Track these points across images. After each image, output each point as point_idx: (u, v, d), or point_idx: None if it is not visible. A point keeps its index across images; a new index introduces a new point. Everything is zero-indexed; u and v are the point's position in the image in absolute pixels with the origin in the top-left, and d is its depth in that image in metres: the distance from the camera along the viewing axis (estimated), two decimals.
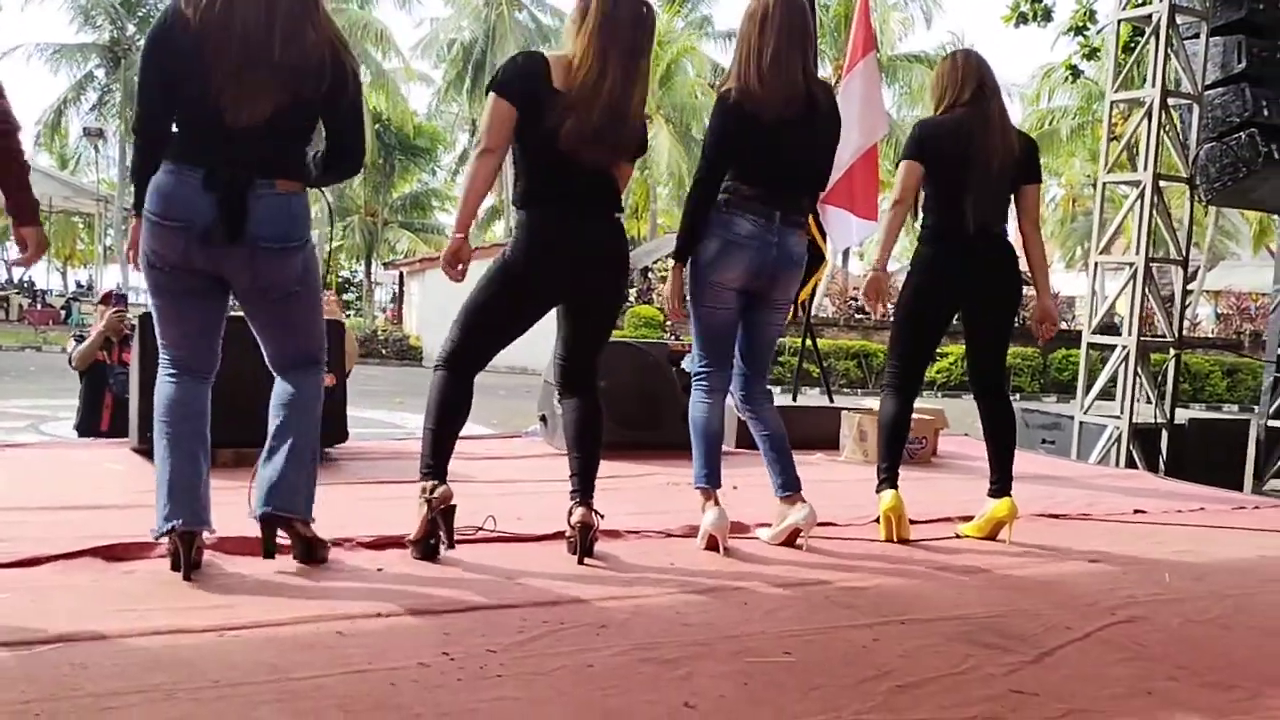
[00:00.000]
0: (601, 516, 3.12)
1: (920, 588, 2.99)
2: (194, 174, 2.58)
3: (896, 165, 3.76)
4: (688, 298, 3.40)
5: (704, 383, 3.43)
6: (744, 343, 3.47)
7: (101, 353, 5.79)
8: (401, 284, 27.65)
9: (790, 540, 3.38)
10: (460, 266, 2.98)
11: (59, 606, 2.36)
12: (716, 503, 3.31)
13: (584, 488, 3.12)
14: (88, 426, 5.75)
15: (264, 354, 2.86)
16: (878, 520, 3.59)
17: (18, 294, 30.59)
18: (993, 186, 3.58)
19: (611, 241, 3.13)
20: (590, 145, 2.94)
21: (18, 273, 27.04)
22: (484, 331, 3.08)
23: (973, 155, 3.53)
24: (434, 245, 32.43)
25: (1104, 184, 7.54)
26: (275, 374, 2.86)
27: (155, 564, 2.74)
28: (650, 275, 26.16)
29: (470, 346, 3.08)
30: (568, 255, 3.03)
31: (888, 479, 3.60)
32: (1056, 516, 4.14)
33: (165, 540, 2.68)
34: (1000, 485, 3.62)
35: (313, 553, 2.79)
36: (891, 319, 3.97)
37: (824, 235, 5.99)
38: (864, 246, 40.80)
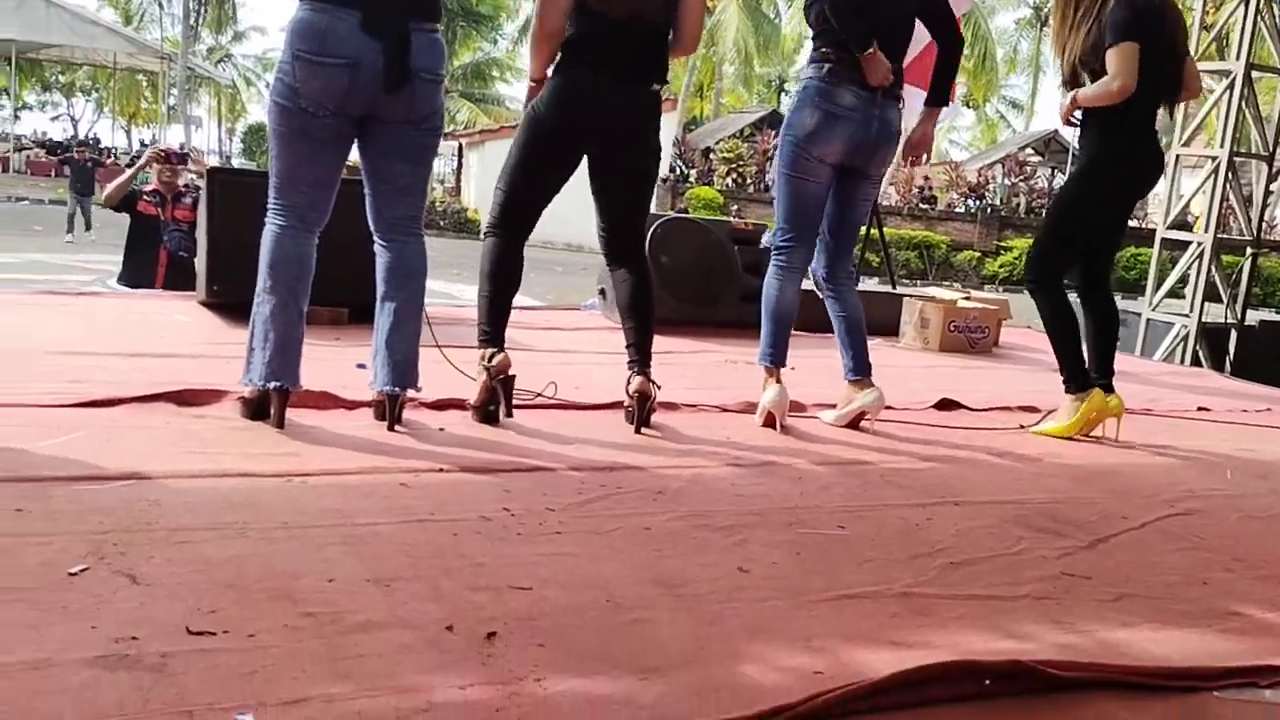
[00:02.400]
0: (659, 387, 3.13)
1: (975, 473, 2.98)
2: (349, 14, 2.58)
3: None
4: (777, 165, 3.35)
5: (784, 259, 3.37)
6: (834, 218, 3.39)
7: (156, 209, 5.84)
8: (460, 156, 27.48)
9: (855, 423, 3.37)
10: None
11: (132, 446, 2.43)
12: (779, 380, 3.30)
13: (641, 357, 3.13)
14: (141, 284, 5.83)
15: (371, 213, 2.84)
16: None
17: (82, 151, 30.95)
18: (1173, 68, 3.42)
19: (640, 109, 3.05)
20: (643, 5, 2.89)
21: (84, 129, 27.22)
22: (520, 189, 3.07)
23: (1165, 36, 3.34)
24: (494, 117, 32.11)
25: None
26: (379, 239, 2.85)
27: (225, 410, 2.82)
28: (712, 156, 25.74)
29: (513, 206, 3.07)
30: (594, 118, 2.98)
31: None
32: None
33: (245, 389, 2.75)
34: (1105, 381, 3.54)
35: (399, 415, 2.84)
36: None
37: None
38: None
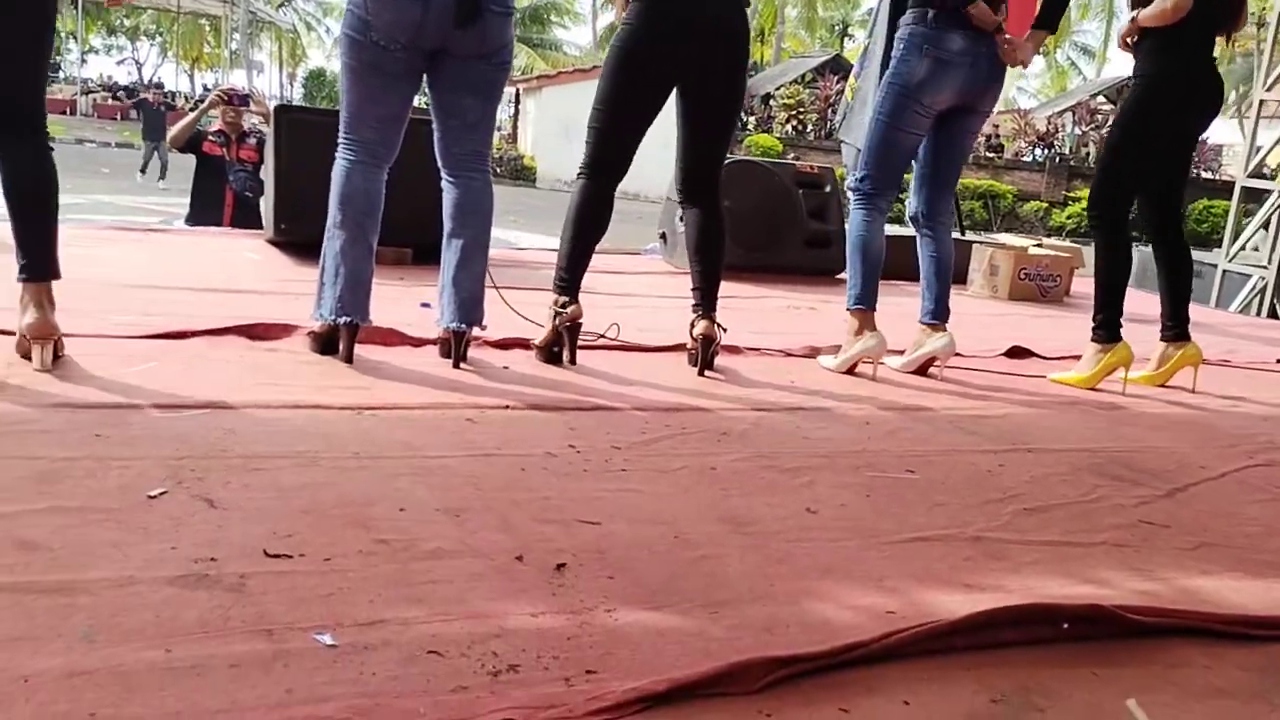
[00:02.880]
0: (724, 330, 3.10)
1: (1049, 419, 2.92)
2: None
3: None
4: (875, 113, 3.26)
5: (869, 201, 3.28)
6: (936, 154, 3.31)
7: (220, 149, 5.90)
8: (518, 102, 27.37)
9: (924, 368, 3.32)
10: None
11: (206, 377, 2.47)
12: (874, 326, 3.22)
13: (706, 301, 3.10)
14: (207, 223, 5.92)
15: (439, 148, 2.83)
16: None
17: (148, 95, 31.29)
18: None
19: (731, 15, 2.96)
20: None
21: (148, 73, 27.53)
22: (612, 127, 3.00)
23: None
24: (551, 62, 31.91)
25: (1279, 16, 6.93)
26: (446, 174, 2.84)
27: (295, 345, 2.85)
28: (772, 103, 25.36)
29: (605, 147, 3.01)
30: (684, 28, 2.90)
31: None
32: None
33: (316, 323, 2.77)
34: (1179, 329, 3.46)
35: (464, 353, 2.86)
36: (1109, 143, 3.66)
37: None
38: None
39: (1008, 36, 3.18)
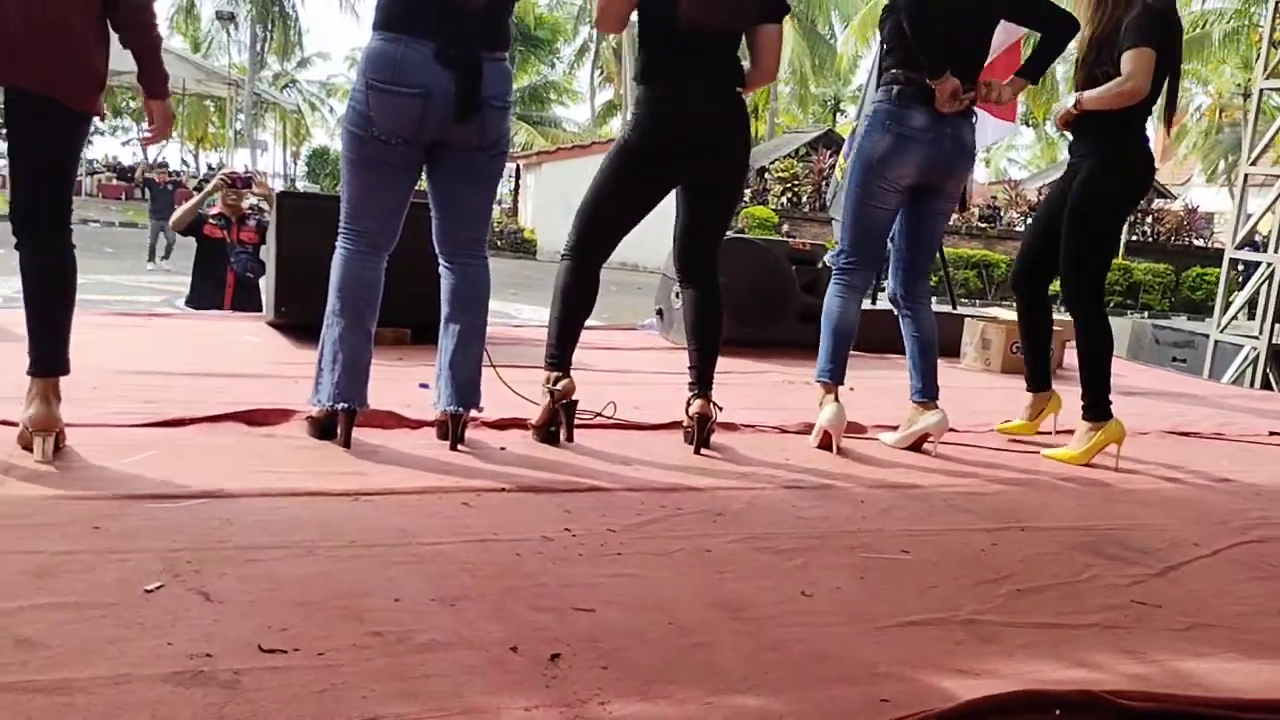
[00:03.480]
0: (720, 409, 3.13)
1: (1041, 497, 2.94)
2: (423, 45, 2.62)
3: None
4: (848, 187, 3.34)
5: (845, 278, 3.36)
6: (910, 235, 3.38)
7: (221, 232, 5.98)
8: (518, 177, 27.75)
9: (917, 445, 3.34)
10: None
11: (204, 465, 2.49)
12: (836, 399, 3.28)
13: (702, 379, 3.13)
14: (208, 305, 5.97)
15: (437, 236, 2.88)
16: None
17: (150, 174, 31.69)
18: (1173, 86, 3.40)
19: (733, 115, 3.04)
20: (708, 10, 2.86)
21: (153, 153, 27.95)
22: (606, 218, 3.07)
23: (1176, 54, 3.35)
24: (550, 139, 32.41)
25: (1261, 90, 7.07)
26: (444, 260, 2.89)
27: (293, 430, 2.88)
28: (766, 176, 25.70)
29: (593, 234, 3.07)
30: (687, 129, 2.97)
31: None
32: (1187, 434, 4.00)
33: (314, 409, 2.81)
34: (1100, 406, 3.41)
35: (461, 435, 2.88)
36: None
37: None
38: (991, 151, 39.22)
39: (986, 81, 3.27)
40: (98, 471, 2.37)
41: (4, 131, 2.51)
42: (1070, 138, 3.55)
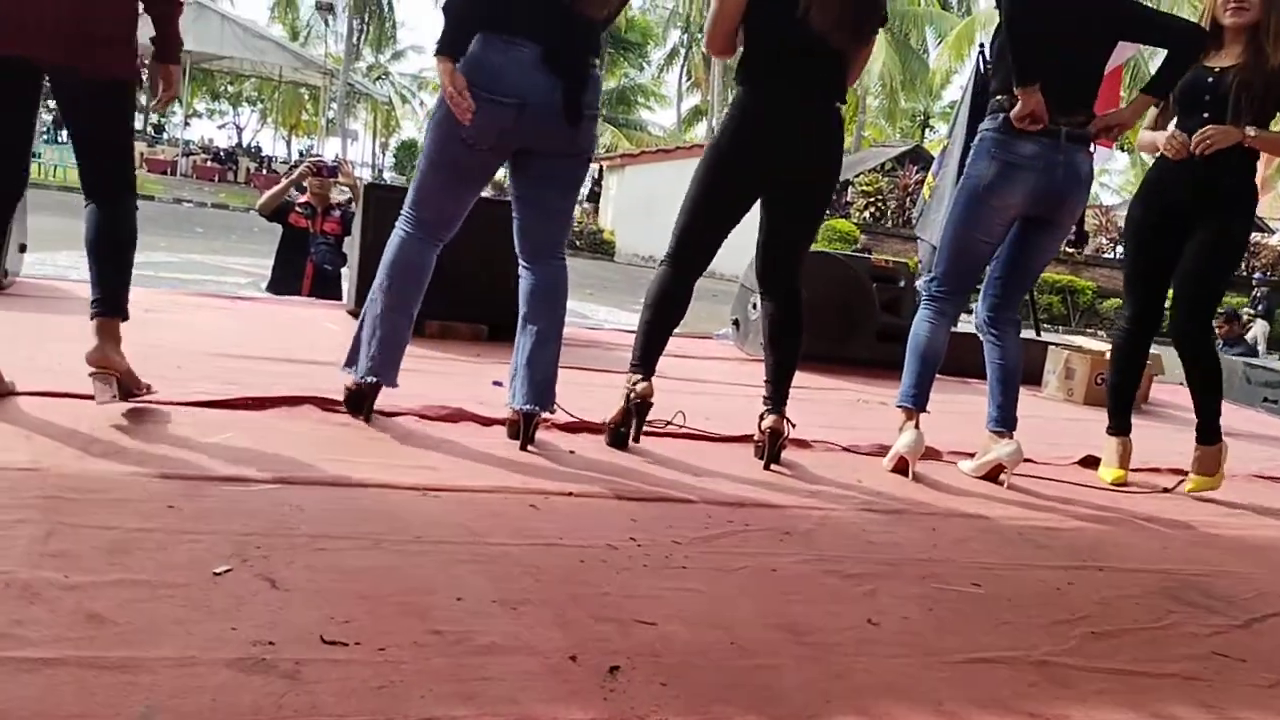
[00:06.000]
0: (793, 425, 3.09)
1: (1121, 536, 2.84)
2: (529, 47, 2.64)
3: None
4: (950, 214, 3.25)
5: (936, 304, 3.27)
6: (1009, 264, 3.28)
7: (306, 221, 6.06)
8: (600, 178, 27.89)
9: (992, 475, 3.25)
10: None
11: (279, 450, 2.51)
12: (917, 425, 3.21)
13: (777, 394, 3.09)
14: (287, 293, 6.06)
15: (518, 237, 2.89)
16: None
17: (245, 158, 32.50)
18: None
19: (829, 128, 2.99)
20: (837, 25, 2.84)
21: (247, 138, 28.65)
22: (698, 223, 3.04)
23: None
24: (635, 142, 32.52)
25: None
26: (524, 261, 2.91)
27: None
28: (851, 189, 25.46)
29: (687, 241, 3.04)
30: (775, 133, 2.93)
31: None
32: (1277, 479, 3.85)
33: (348, 379, 2.87)
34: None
35: (532, 435, 2.88)
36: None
37: None
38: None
39: (1106, 114, 3.18)
40: (176, 450, 2.41)
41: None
42: (1160, 158, 3.40)
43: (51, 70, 2.51)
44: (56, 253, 9.72)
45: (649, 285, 3.09)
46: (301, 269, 6.06)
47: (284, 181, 6.32)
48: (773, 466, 3.02)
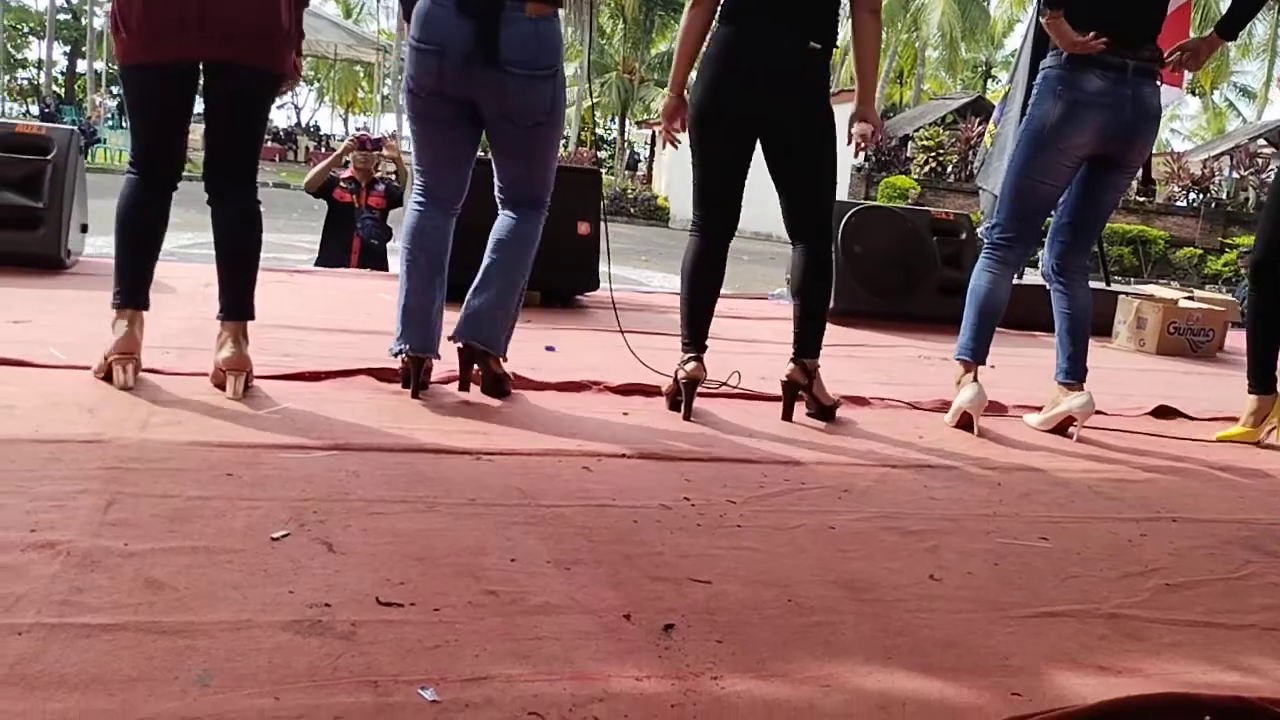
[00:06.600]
0: (812, 371, 3.00)
1: (1195, 487, 2.75)
2: None
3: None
4: (1012, 159, 3.15)
5: (998, 253, 3.18)
6: (1077, 209, 3.16)
7: (350, 196, 6.09)
8: (653, 144, 27.72)
9: (1061, 428, 3.17)
10: (677, 123, 2.98)
11: (335, 419, 2.53)
12: (976, 378, 3.13)
13: (801, 342, 3.00)
14: (334, 267, 6.11)
15: (495, 187, 2.92)
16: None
17: (304, 137, 32.85)
18: None
19: (798, 62, 2.84)
20: None
21: (305, 117, 28.99)
22: (709, 184, 2.99)
23: None
24: None
25: None
26: (500, 209, 2.93)
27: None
28: (911, 144, 25.01)
29: (704, 201, 3.00)
30: (745, 87, 2.84)
31: None
32: None
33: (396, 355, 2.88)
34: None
35: (499, 386, 2.90)
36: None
37: None
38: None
39: (1180, 45, 3.05)
40: (235, 421, 2.44)
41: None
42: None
43: (209, 64, 2.57)
44: None
45: (682, 258, 3.05)
46: (348, 244, 6.10)
47: (329, 158, 6.36)
48: (828, 425, 2.97)
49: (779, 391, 3.23)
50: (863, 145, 2.99)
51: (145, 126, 2.64)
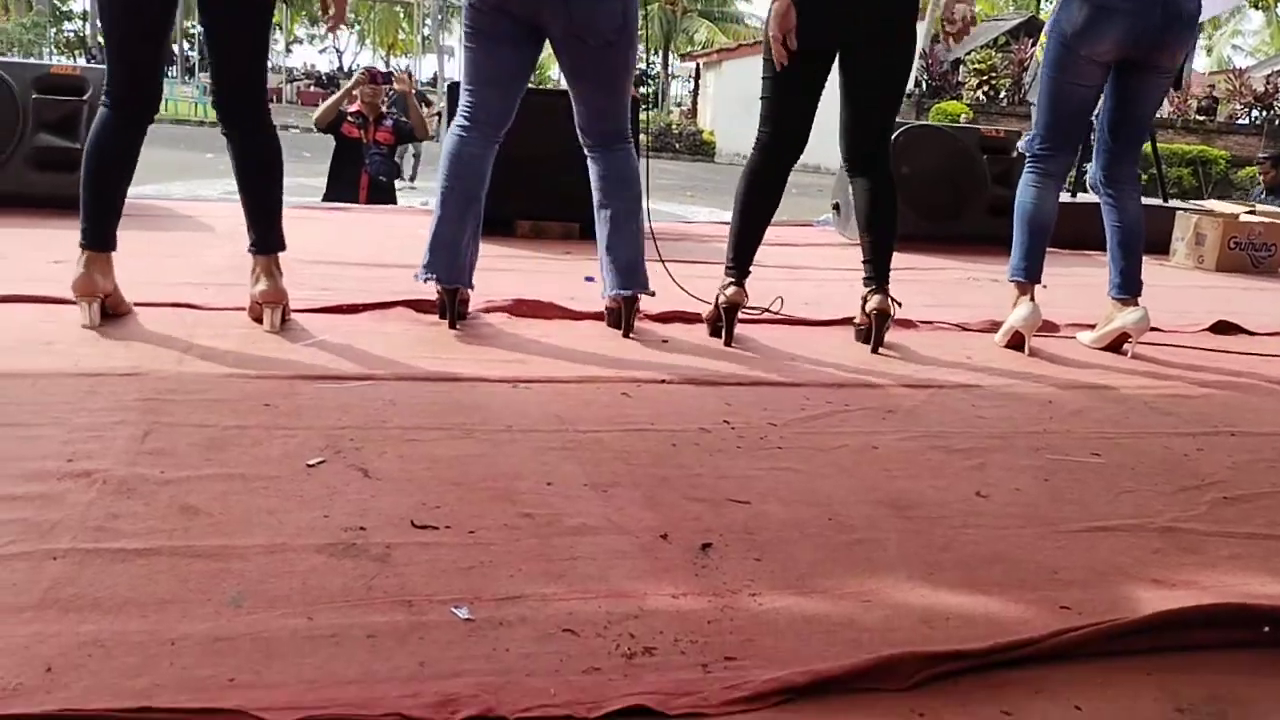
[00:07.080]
0: (899, 305, 2.95)
1: (1255, 401, 2.66)
2: None
3: None
4: (1042, 67, 3.04)
5: (1040, 166, 3.08)
6: (1114, 116, 3.05)
7: (358, 132, 6.01)
8: (698, 77, 27.29)
9: (1115, 345, 3.08)
10: (791, 21, 2.73)
11: (372, 350, 2.52)
12: (1031, 298, 3.05)
13: (878, 273, 2.94)
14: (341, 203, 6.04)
15: (576, 125, 2.85)
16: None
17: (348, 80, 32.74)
18: None
19: None
20: None
21: (348, 60, 28.93)
22: (777, 101, 2.88)
23: None
24: (732, 35, 31.63)
25: None
26: (587, 149, 2.86)
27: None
28: (963, 68, 24.36)
29: (773, 117, 2.88)
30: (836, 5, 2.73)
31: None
32: None
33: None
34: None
35: (632, 321, 2.86)
36: None
37: None
38: (1214, 38, 35.91)
39: None
40: (272, 352, 2.44)
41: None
42: None
43: None
44: (170, 184, 10.00)
45: (739, 178, 2.96)
46: (356, 180, 6.01)
47: (339, 93, 6.26)
48: (872, 349, 2.91)
49: (826, 316, 3.17)
50: (955, 30, 2.90)
51: (119, 44, 2.50)
